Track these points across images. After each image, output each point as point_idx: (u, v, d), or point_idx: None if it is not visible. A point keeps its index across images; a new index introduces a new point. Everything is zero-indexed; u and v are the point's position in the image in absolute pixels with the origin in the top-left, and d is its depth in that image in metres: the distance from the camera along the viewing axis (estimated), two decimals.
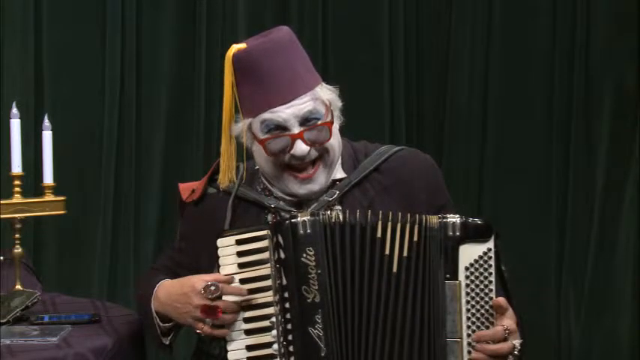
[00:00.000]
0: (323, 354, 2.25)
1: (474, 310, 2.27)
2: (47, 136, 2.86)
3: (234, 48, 2.38)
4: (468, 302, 2.27)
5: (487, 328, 2.27)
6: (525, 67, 4.41)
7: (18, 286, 2.83)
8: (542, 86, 4.40)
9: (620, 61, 4.33)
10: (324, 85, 2.42)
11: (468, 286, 2.27)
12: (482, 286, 2.27)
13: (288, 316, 2.27)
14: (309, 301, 2.26)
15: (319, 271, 2.26)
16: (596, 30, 4.34)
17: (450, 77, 4.43)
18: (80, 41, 4.20)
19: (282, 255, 2.27)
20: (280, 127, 2.36)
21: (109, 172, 4.21)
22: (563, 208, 4.39)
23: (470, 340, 2.26)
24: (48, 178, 2.85)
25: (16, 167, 2.83)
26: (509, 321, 2.28)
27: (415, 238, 2.27)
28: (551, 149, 4.40)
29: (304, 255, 2.26)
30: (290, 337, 2.26)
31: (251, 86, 2.36)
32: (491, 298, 2.27)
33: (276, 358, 2.28)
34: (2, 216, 2.80)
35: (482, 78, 4.40)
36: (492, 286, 2.27)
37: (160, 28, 4.27)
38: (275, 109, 2.35)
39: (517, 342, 2.28)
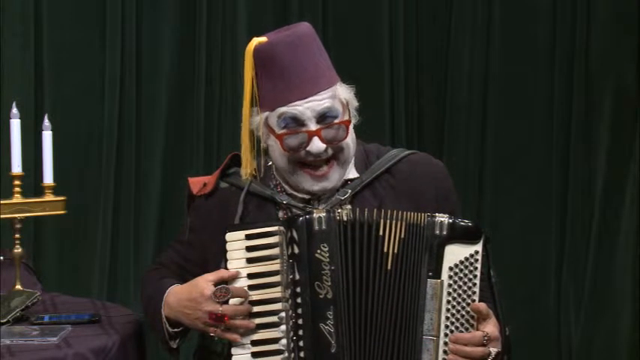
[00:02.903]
0: (333, 350, 2.26)
1: (454, 311, 2.27)
2: (47, 136, 2.86)
3: (256, 41, 2.39)
4: (448, 302, 2.27)
5: (466, 330, 2.27)
6: (525, 67, 4.41)
7: (18, 286, 2.83)
8: (542, 86, 4.41)
9: (620, 61, 4.34)
10: (342, 83, 2.43)
11: (450, 286, 2.27)
12: (465, 288, 2.27)
13: (299, 311, 2.28)
14: (321, 296, 2.27)
15: (333, 268, 2.27)
16: (596, 30, 4.34)
17: (449, 77, 4.43)
18: (80, 41, 4.20)
19: (296, 250, 2.28)
20: (297, 121, 2.36)
21: (109, 172, 4.21)
22: (563, 208, 4.39)
23: (447, 339, 2.26)
24: (48, 178, 2.85)
25: (16, 167, 2.83)
26: (491, 328, 2.27)
27: (402, 235, 2.28)
28: (551, 149, 4.40)
29: (318, 251, 2.28)
30: (300, 332, 2.27)
31: (271, 80, 2.37)
32: (473, 301, 2.26)
33: (283, 353, 2.28)
34: (2, 216, 2.80)
35: (482, 78, 4.40)
36: (476, 289, 2.27)
37: (160, 28, 4.27)
38: (293, 103, 2.35)
39: (494, 350, 2.26)
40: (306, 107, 2.35)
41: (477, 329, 2.27)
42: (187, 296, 2.36)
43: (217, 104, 4.30)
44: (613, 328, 4.33)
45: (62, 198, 2.87)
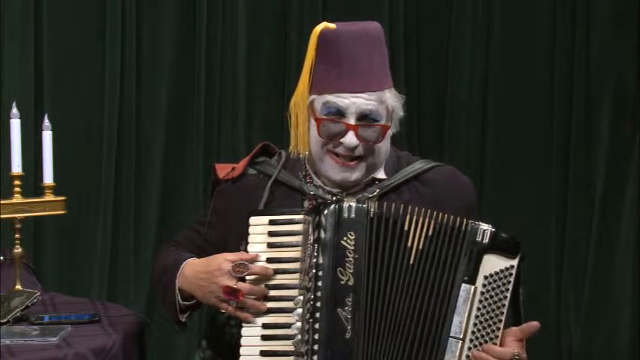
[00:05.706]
0: (347, 336, 2.27)
1: (482, 319, 2.29)
2: (47, 136, 2.86)
3: (324, 25, 2.43)
4: (478, 309, 2.29)
5: (491, 339, 2.29)
6: (525, 66, 4.41)
7: (18, 286, 2.83)
8: (542, 86, 4.41)
9: (620, 61, 4.34)
10: (393, 90, 2.46)
11: (482, 294, 2.29)
12: (496, 299, 2.30)
13: (318, 294, 2.28)
14: (342, 282, 2.28)
15: (356, 256, 2.28)
16: (596, 30, 4.34)
17: (450, 77, 4.43)
18: (80, 41, 4.20)
19: (322, 235, 2.29)
20: (339, 113, 2.39)
21: (109, 172, 4.21)
22: (563, 208, 4.39)
23: (471, 345, 2.28)
24: (48, 178, 2.85)
25: (16, 167, 2.83)
26: (521, 349, 2.32)
27: (430, 232, 2.30)
28: (551, 149, 4.40)
29: (344, 238, 2.29)
30: (317, 315, 2.28)
31: (327, 65, 2.40)
32: (502, 313, 2.29)
33: (296, 336, 2.28)
34: (2, 216, 2.80)
35: (482, 78, 4.41)
36: (506, 302, 2.30)
37: (160, 28, 4.27)
38: (341, 95, 2.38)
39: None
40: (352, 102, 2.38)
41: (503, 343, 2.30)
42: (204, 269, 2.37)
43: (217, 104, 4.30)
44: (613, 328, 4.33)
45: (62, 198, 2.87)
